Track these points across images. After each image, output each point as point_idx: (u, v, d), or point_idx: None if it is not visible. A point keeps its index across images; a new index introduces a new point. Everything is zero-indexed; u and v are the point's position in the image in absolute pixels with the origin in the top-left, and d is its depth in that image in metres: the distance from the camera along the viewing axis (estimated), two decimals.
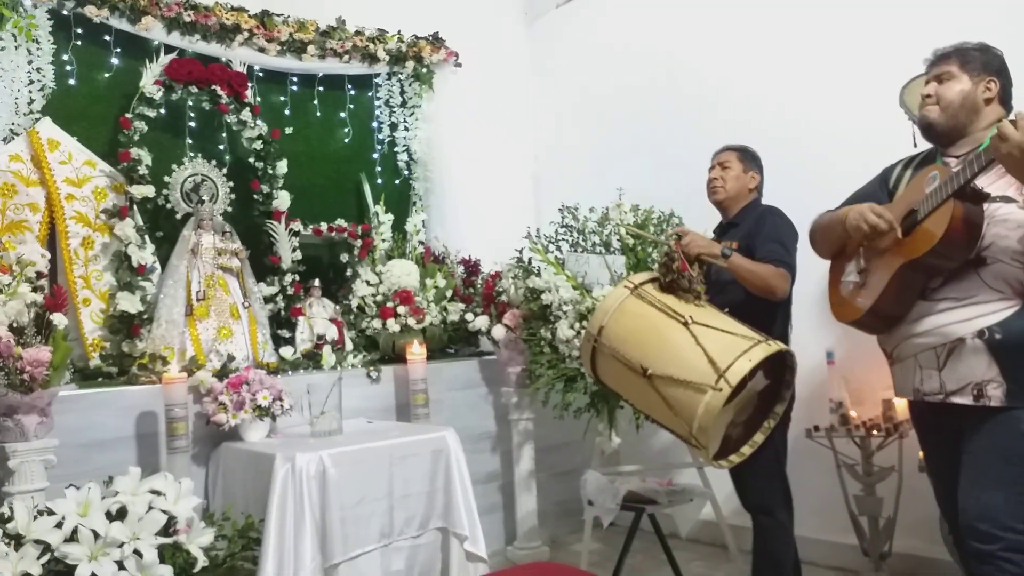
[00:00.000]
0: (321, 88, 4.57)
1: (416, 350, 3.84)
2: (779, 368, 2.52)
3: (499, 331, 4.02)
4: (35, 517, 2.38)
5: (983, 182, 2.04)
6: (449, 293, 4.31)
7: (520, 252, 4.02)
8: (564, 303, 3.63)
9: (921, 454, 3.01)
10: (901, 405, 3.27)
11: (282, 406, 3.23)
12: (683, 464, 3.67)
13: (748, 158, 3.07)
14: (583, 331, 3.51)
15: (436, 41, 4.91)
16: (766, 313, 2.75)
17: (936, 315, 2.10)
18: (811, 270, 2.85)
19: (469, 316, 4.28)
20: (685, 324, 2.48)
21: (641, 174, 4.36)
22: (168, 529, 2.52)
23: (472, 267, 4.58)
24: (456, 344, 4.35)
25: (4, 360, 2.66)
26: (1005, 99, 2.22)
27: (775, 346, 2.40)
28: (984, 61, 2.20)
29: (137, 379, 3.24)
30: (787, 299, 2.87)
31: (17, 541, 2.29)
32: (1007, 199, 2.04)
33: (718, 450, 2.48)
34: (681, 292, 2.57)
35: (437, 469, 3.15)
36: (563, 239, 3.97)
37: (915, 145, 2.70)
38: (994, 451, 2.00)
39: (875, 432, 3.25)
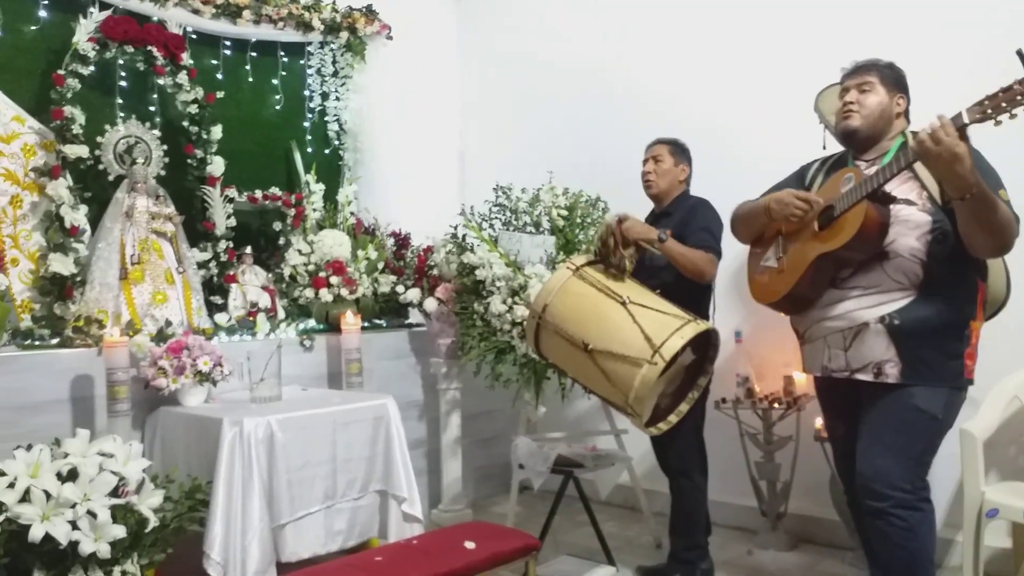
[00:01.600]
0: (254, 54, 4.52)
1: (351, 320, 3.93)
2: (704, 345, 2.80)
3: (431, 304, 4.15)
4: None
5: (889, 186, 2.34)
6: (380, 265, 4.41)
7: (455, 228, 4.16)
8: (497, 279, 3.80)
9: (817, 425, 3.39)
10: (800, 380, 3.64)
11: (222, 372, 3.27)
12: (602, 431, 3.93)
13: (679, 151, 3.31)
14: (515, 306, 3.71)
15: (370, 13, 4.92)
16: (693, 295, 3.02)
17: (846, 301, 2.40)
18: (724, 256, 3.14)
19: (400, 288, 4.38)
20: (623, 304, 2.72)
21: (569, 157, 4.56)
22: (118, 490, 2.56)
23: (402, 240, 4.68)
24: (385, 315, 4.45)
25: None
26: (907, 114, 2.53)
27: (703, 325, 2.67)
28: (896, 78, 2.50)
29: (72, 342, 3.20)
30: (712, 282, 3.15)
31: None
32: (909, 202, 2.35)
33: (648, 418, 2.74)
34: (611, 268, 2.81)
35: (378, 435, 3.28)
36: (496, 217, 4.12)
37: (824, 147, 3.02)
38: (888, 421, 2.32)
39: (776, 405, 3.60)
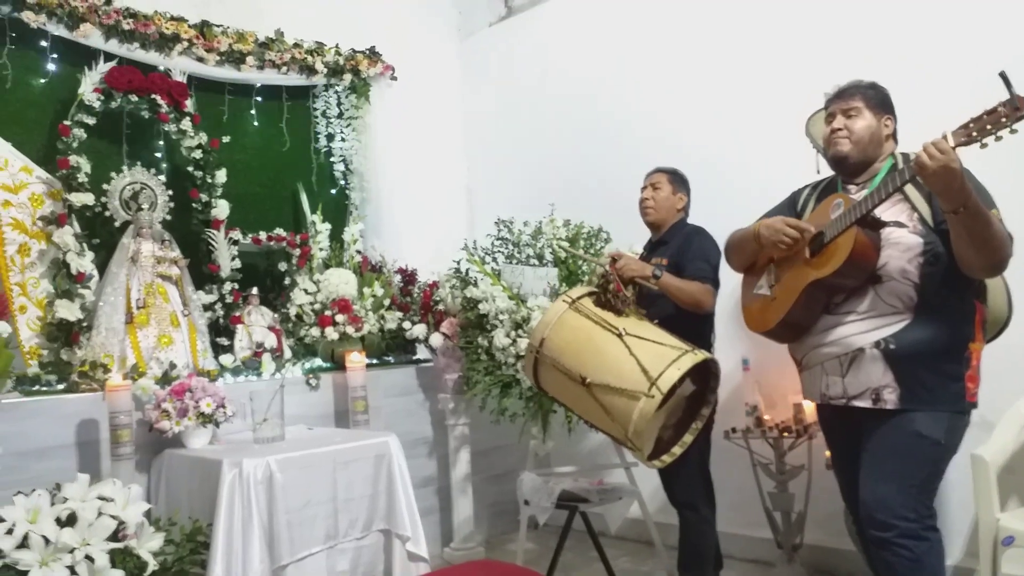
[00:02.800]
0: (259, 98, 4.62)
1: (356, 358, 3.94)
2: (704, 375, 2.76)
3: (437, 339, 4.16)
4: None
5: (880, 209, 2.31)
6: (387, 302, 4.42)
7: (458, 263, 4.17)
8: (501, 312, 3.80)
9: (827, 453, 3.32)
10: (810, 408, 3.57)
11: (225, 413, 3.28)
12: (612, 465, 3.88)
13: (677, 180, 3.31)
14: (519, 339, 3.70)
15: (373, 55, 5.01)
16: (692, 324, 2.99)
17: (840, 327, 2.36)
18: (727, 284, 3.11)
19: (407, 324, 4.39)
20: (619, 336, 2.70)
21: (570, 189, 4.57)
22: (118, 534, 2.57)
23: (409, 276, 4.70)
24: (393, 352, 4.45)
25: None
26: (895, 135, 2.51)
27: (701, 355, 2.64)
28: (881, 99, 2.48)
29: (78, 387, 3.24)
30: (711, 312, 3.12)
31: None
32: (899, 224, 2.32)
33: (651, 451, 2.70)
34: (614, 309, 2.79)
35: (380, 473, 3.26)
36: (499, 251, 4.13)
37: (818, 171, 3.00)
38: (889, 448, 2.26)
39: (787, 433, 3.53)
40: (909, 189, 2.30)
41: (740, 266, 2.77)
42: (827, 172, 2.75)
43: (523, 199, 4.51)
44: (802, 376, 2.60)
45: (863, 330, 2.31)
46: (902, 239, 2.28)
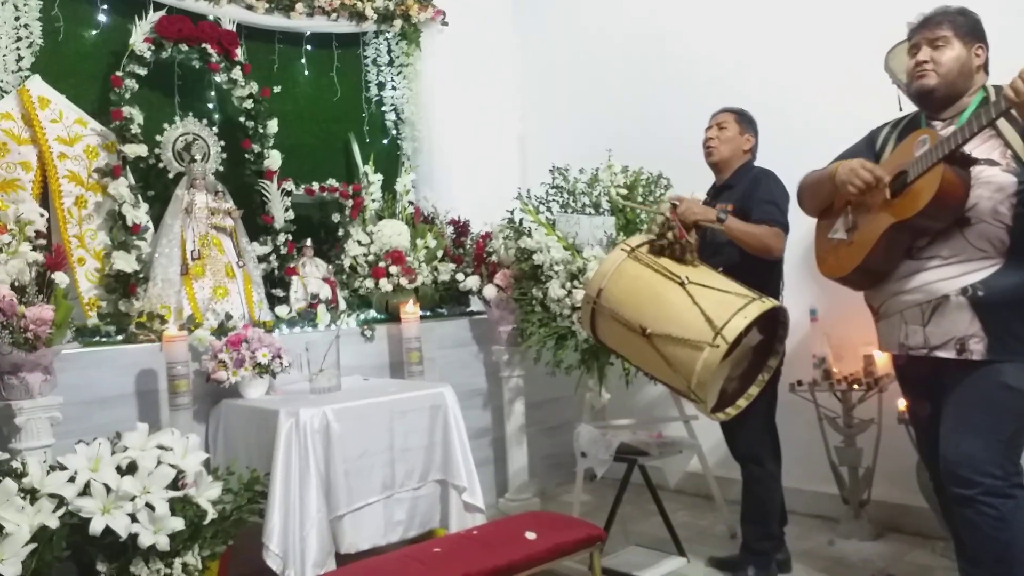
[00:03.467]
0: (309, 47, 4.54)
1: (410, 309, 3.90)
2: (772, 324, 2.63)
3: (490, 291, 4.08)
4: (48, 472, 2.43)
5: (969, 146, 2.12)
6: (439, 253, 4.36)
7: (511, 213, 4.07)
8: (555, 263, 3.69)
9: (900, 407, 3.17)
10: (881, 360, 3.40)
11: (281, 363, 3.28)
12: (670, 418, 3.79)
13: (745, 120, 3.13)
14: (574, 290, 3.60)
15: (423, 0, 4.88)
16: (760, 272, 2.85)
17: (923, 273, 2.20)
18: (794, 230, 2.94)
19: (460, 276, 4.33)
20: (681, 284, 2.59)
21: (630, 135, 4.40)
22: (177, 483, 2.59)
23: (461, 227, 4.62)
24: (446, 304, 4.40)
25: (8, 319, 2.68)
26: (986, 65, 2.30)
27: (769, 303, 2.50)
28: (971, 27, 2.27)
29: (136, 337, 3.26)
30: (780, 258, 2.97)
31: (32, 495, 2.34)
32: (991, 162, 2.13)
33: (715, 403, 2.59)
34: (676, 258, 2.67)
35: (435, 424, 3.23)
36: (553, 200, 4.02)
37: (900, 109, 2.79)
38: (975, 401, 2.12)
39: (856, 386, 3.38)
40: (1002, 124, 2.11)
41: (814, 209, 2.61)
42: (909, 109, 2.55)
43: (578, 146, 4.35)
44: (879, 325, 2.46)
45: (948, 276, 2.15)
46: (994, 178, 2.11)
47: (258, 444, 3.01)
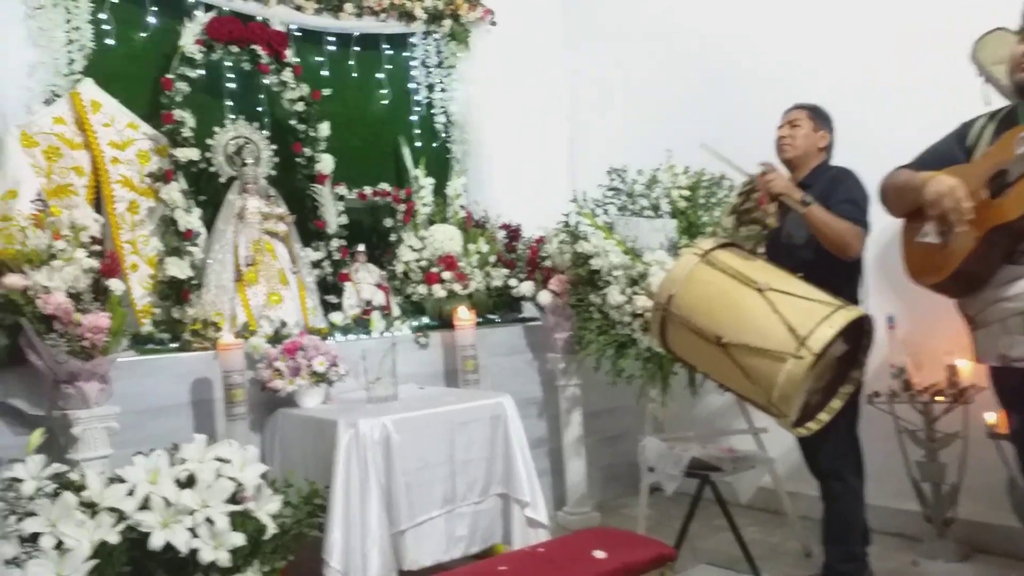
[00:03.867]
0: (358, 48, 4.46)
1: (464, 315, 3.79)
2: (855, 333, 2.47)
3: (545, 296, 3.96)
4: (107, 485, 2.35)
5: None
6: (492, 258, 4.25)
7: (567, 216, 3.95)
8: (614, 268, 3.56)
9: (989, 420, 2.98)
10: (965, 370, 3.22)
11: (337, 372, 3.19)
12: (737, 431, 3.62)
13: (819, 117, 2.98)
14: (635, 296, 3.47)
15: None
16: (840, 276, 2.69)
17: None
18: (870, 233, 2.78)
19: (512, 281, 4.21)
20: (759, 290, 2.44)
21: (687, 134, 4.19)
22: (236, 496, 2.49)
23: (513, 232, 4.50)
24: (499, 310, 4.28)
25: (64, 326, 2.61)
26: None
27: (855, 311, 2.35)
28: None
29: (190, 345, 3.20)
30: (857, 261, 2.81)
31: (92, 509, 2.26)
32: None
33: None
34: (748, 224, 2.55)
35: (496, 435, 3.12)
36: (610, 202, 3.88)
37: (988, 104, 2.62)
38: None
39: (938, 398, 3.20)
40: None
41: (901, 212, 2.45)
42: (999, 104, 2.39)
43: (632, 147, 4.21)
44: (975, 335, 2.28)
45: None
46: None
47: (315, 455, 2.91)
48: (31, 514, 2.19)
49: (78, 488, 2.29)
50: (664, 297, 2.58)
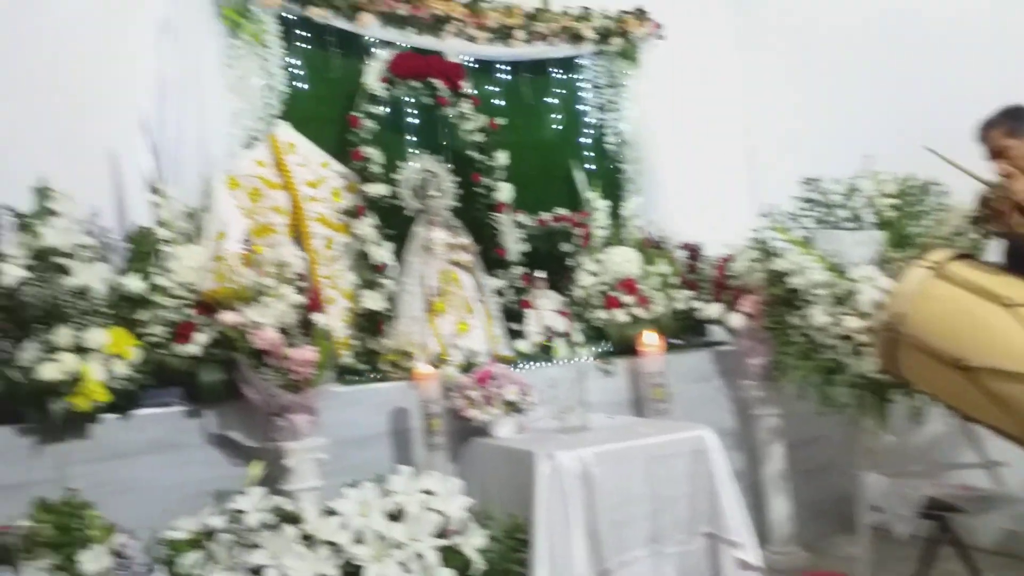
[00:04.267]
0: (528, 74, 4.45)
1: (650, 341, 3.63)
2: None
3: (737, 319, 3.74)
4: (321, 517, 2.39)
5: None
6: (674, 280, 4.08)
7: (756, 232, 3.72)
8: (816, 286, 3.31)
9: None
10: None
11: (529, 401, 3.13)
12: (966, 465, 3.22)
13: (1018, 125, 2.51)
14: (841, 317, 3.19)
15: (640, 14, 4.67)
16: None
17: None
18: None
19: (697, 303, 4.02)
20: (1007, 307, 2.14)
21: (887, 136, 3.87)
22: (443, 530, 2.46)
23: (694, 251, 4.32)
24: (683, 334, 4.10)
25: (275, 360, 2.70)
26: None
27: None
28: None
29: (388, 375, 3.25)
30: None
31: (309, 541, 2.29)
32: None
33: None
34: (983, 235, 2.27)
35: (697, 470, 2.93)
36: (806, 215, 3.62)
37: None
38: None
39: None
40: None
41: None
42: None
43: (821, 154, 3.94)
44: None
45: None
46: None
47: (512, 486, 2.84)
48: (255, 546, 2.24)
49: (296, 520, 2.33)
50: (893, 316, 2.33)
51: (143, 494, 2.66)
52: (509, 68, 4.39)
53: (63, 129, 3.24)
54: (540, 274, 3.95)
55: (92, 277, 2.67)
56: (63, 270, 2.64)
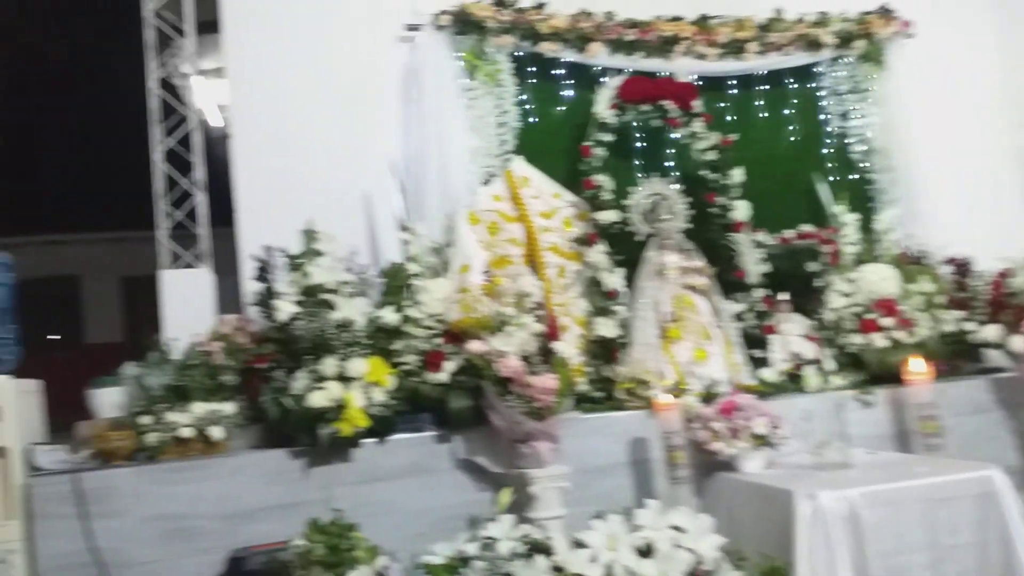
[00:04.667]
0: (761, 87, 4.24)
1: (916, 368, 3.26)
2: None
3: (1020, 342, 3.27)
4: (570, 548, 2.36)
5: None
6: (939, 299, 3.65)
7: None
8: None
9: None
10: None
11: (780, 434, 2.92)
12: None
13: None
14: None
15: (885, 13, 4.30)
16: None
17: None
18: None
19: (970, 325, 3.57)
20: None
21: None
22: (694, 570, 2.34)
23: (962, 266, 3.84)
24: (954, 360, 3.64)
25: (521, 388, 2.74)
26: None
27: None
28: None
29: (624, 404, 3.19)
30: None
31: (559, 573, 2.27)
32: None
33: None
34: None
35: (986, 515, 2.57)
36: None
37: None
38: None
39: None
40: None
41: None
42: None
43: None
44: None
45: None
46: None
47: (767, 527, 2.66)
48: (508, 575, 2.26)
49: (547, 551, 2.32)
50: None
51: (398, 516, 2.80)
52: (739, 82, 4.21)
53: (324, 177, 3.57)
54: (784, 296, 3.70)
55: (353, 311, 2.88)
56: (328, 305, 2.87)
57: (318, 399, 2.71)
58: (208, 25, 3.95)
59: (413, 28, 3.76)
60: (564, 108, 3.95)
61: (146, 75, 3.80)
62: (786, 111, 4.26)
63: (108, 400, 2.87)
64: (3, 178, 9.71)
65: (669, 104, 3.77)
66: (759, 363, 3.55)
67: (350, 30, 3.74)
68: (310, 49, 3.69)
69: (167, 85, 3.90)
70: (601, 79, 3.90)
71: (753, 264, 3.68)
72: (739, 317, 3.63)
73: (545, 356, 2.94)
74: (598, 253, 3.52)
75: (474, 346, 2.84)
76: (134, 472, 2.68)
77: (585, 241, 3.58)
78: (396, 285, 3.07)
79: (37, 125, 9.37)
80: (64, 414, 2.96)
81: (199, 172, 3.81)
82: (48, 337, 10.78)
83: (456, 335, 2.93)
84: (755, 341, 3.61)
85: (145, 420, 2.70)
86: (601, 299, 3.50)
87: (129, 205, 6.15)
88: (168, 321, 3.42)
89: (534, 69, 3.90)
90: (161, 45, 3.88)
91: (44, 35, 8.21)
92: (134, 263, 9.05)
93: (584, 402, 3.26)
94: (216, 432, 2.73)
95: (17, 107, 8.21)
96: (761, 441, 2.89)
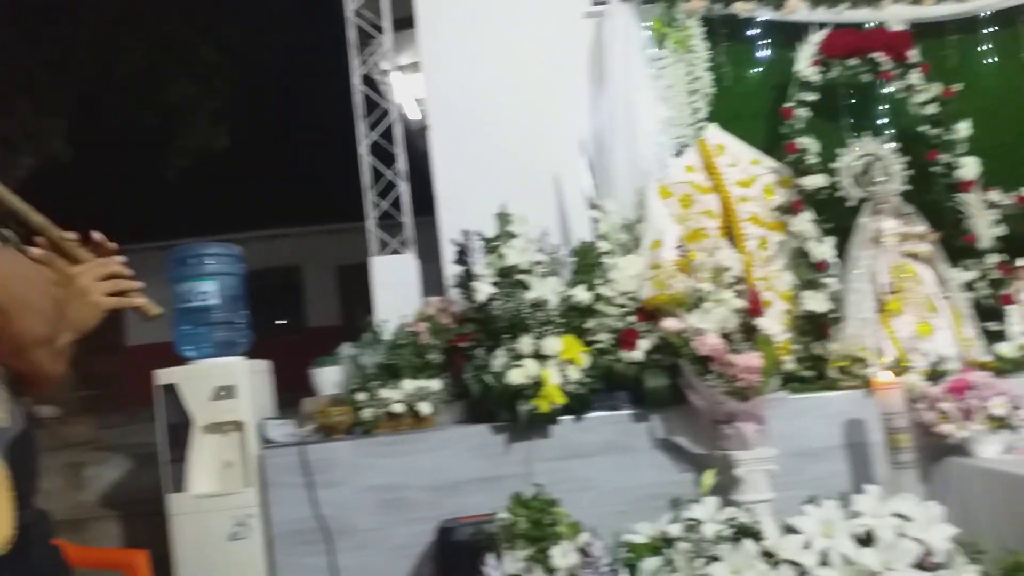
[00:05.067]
0: (987, 29, 3.77)
1: None
2: None
3: None
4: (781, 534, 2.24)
5: None
6: None
7: None
8: None
9: None
10: None
11: (1021, 416, 2.59)
12: None
13: None
14: None
15: None
16: None
17: None
18: None
19: None
20: None
21: None
22: (923, 562, 2.14)
23: None
24: None
25: (719, 367, 2.63)
26: None
27: None
28: None
29: (837, 383, 2.97)
30: None
31: (770, 559, 2.17)
32: None
33: None
34: None
35: None
36: None
37: None
38: None
39: None
40: None
41: None
42: None
43: None
44: None
45: None
46: None
47: (1008, 518, 2.39)
48: (714, 558, 2.18)
49: (755, 535, 2.22)
50: None
51: (597, 493, 2.80)
52: (963, 26, 3.76)
53: (515, 160, 3.62)
54: (1022, 262, 3.28)
55: (547, 290, 2.90)
56: (523, 285, 2.91)
57: (516, 376, 2.76)
58: (403, 22, 4.13)
59: (600, 2, 3.71)
60: (761, 70, 3.74)
61: (350, 72, 4.04)
62: (1021, 54, 3.75)
63: (328, 378, 3.10)
64: (232, 180, 10.83)
65: (880, 56, 3.45)
66: (994, 337, 3.18)
67: (537, 11, 3.76)
68: (499, 36, 3.74)
69: (368, 81, 4.13)
70: (801, 36, 3.65)
71: (985, 227, 3.29)
72: (970, 286, 3.27)
73: (747, 333, 2.80)
74: (804, 222, 3.30)
75: (669, 324, 2.76)
76: (352, 445, 2.87)
77: (789, 209, 3.36)
78: (587, 264, 3.05)
79: (259, 130, 10.31)
80: (291, 391, 3.25)
81: (401, 163, 4.01)
82: (276, 322, 11.92)
83: (650, 313, 2.87)
84: (989, 313, 3.24)
85: (361, 396, 2.88)
86: (809, 271, 3.27)
87: (340, 198, 6.60)
88: (379, 304, 3.64)
89: (727, 31, 3.71)
90: (360, 44, 4.11)
91: (267, 48, 8.96)
92: (348, 252, 9.75)
93: (792, 381, 3.08)
94: (424, 407, 2.86)
95: (243, 115, 9.07)
96: (999, 423, 2.59)
